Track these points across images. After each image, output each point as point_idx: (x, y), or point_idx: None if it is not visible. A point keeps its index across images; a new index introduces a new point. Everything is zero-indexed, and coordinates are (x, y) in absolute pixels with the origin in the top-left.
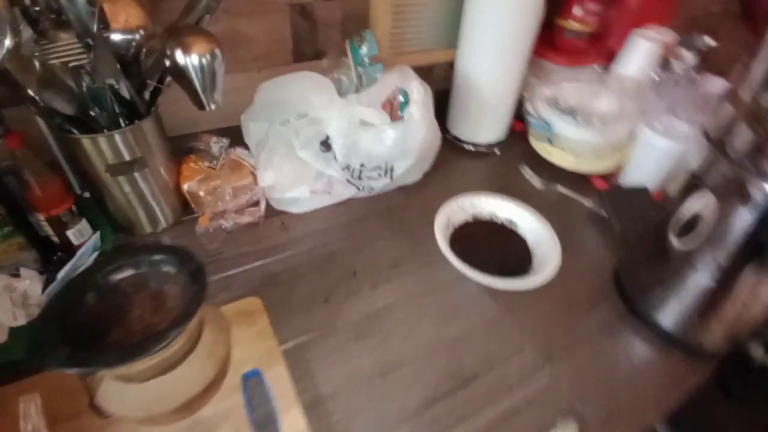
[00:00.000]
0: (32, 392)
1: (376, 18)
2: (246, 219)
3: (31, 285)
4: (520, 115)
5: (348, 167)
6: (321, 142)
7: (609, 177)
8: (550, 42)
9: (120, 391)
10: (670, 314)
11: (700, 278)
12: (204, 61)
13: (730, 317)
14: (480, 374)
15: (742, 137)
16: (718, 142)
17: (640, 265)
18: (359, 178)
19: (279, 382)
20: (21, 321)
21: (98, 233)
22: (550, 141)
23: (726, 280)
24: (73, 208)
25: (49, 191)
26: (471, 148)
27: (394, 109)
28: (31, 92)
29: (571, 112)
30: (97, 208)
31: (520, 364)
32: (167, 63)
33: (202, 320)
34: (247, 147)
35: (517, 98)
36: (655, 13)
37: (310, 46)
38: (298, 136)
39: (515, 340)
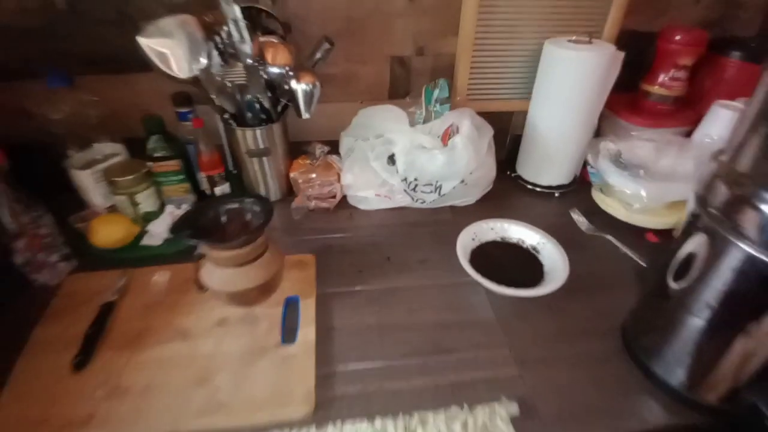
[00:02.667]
0: (166, 272)
1: (457, 70)
2: (324, 205)
3: None
4: None
5: (406, 179)
6: (389, 157)
7: (666, 233)
8: (633, 104)
9: (211, 272)
10: (661, 357)
11: (695, 321)
12: (306, 88)
13: (725, 365)
14: (457, 350)
15: (720, 195)
16: (701, 198)
17: (645, 306)
18: (414, 190)
19: (307, 310)
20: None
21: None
22: (602, 191)
23: (718, 324)
24: (222, 173)
25: (210, 160)
26: (531, 187)
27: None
28: (212, 96)
29: (632, 167)
30: (237, 179)
31: (494, 355)
32: (286, 87)
33: (265, 248)
34: (339, 155)
35: (583, 149)
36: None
37: (402, 88)
38: (373, 150)
39: (499, 340)
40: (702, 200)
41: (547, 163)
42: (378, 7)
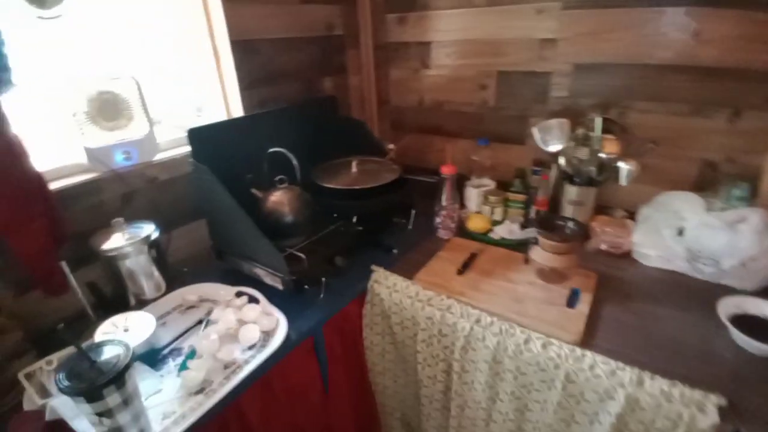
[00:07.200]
0: (501, 250)
1: (763, 180)
2: (612, 250)
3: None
4: None
5: (689, 249)
6: (678, 229)
7: None
8: None
9: (537, 252)
10: None
11: None
12: (629, 167)
13: None
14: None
15: None
16: None
17: None
18: (695, 260)
19: (584, 299)
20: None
21: None
22: None
23: None
24: (546, 210)
25: (543, 200)
26: None
27: None
28: (559, 163)
29: None
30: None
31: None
32: (612, 165)
33: (570, 250)
34: (633, 220)
35: None
36: None
37: (708, 184)
38: (666, 222)
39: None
40: None
41: None
42: (690, 125)
